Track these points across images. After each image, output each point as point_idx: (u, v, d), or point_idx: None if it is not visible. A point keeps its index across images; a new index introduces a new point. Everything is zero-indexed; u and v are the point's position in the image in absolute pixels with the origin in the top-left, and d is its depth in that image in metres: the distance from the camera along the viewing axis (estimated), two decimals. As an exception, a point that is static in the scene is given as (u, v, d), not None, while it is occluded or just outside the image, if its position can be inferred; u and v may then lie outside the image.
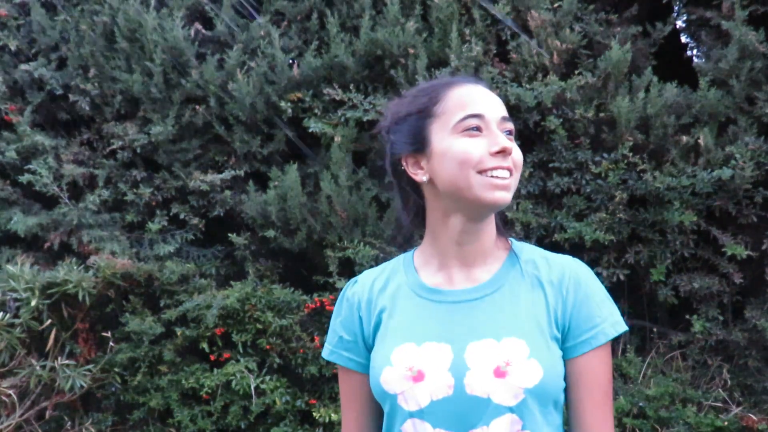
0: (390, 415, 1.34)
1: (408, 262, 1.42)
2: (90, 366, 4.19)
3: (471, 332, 1.29)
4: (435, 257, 1.39)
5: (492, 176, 1.27)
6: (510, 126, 1.31)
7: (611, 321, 1.28)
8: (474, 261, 1.35)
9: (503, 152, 1.26)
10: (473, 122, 1.28)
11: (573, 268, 1.31)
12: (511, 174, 1.28)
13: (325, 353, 1.47)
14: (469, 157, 1.26)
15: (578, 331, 1.27)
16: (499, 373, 1.25)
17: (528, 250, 1.36)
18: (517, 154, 1.30)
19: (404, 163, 1.36)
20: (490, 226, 1.36)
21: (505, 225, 1.40)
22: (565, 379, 1.30)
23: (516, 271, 1.33)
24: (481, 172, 1.27)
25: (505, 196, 1.28)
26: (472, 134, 1.28)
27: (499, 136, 1.28)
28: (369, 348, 1.41)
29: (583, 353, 1.27)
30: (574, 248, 3.85)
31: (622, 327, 1.29)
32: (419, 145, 1.32)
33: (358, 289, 1.44)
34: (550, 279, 1.30)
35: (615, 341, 4.06)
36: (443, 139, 1.29)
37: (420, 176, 1.34)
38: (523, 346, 1.26)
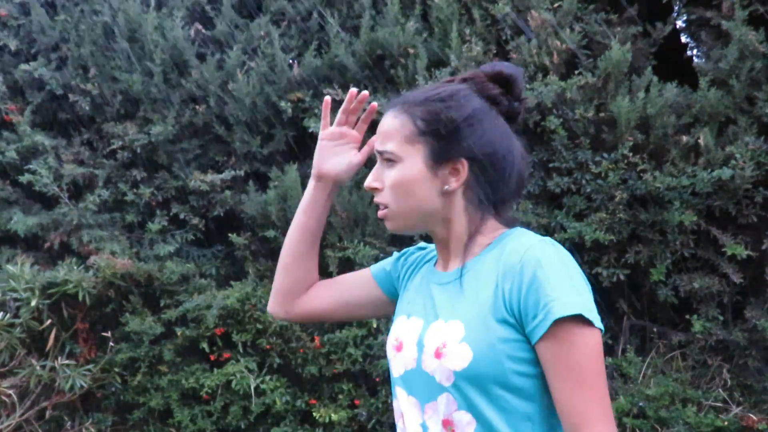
0: (390, 378, 1.44)
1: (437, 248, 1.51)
2: (90, 366, 4.20)
3: (436, 312, 1.35)
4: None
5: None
6: (384, 157, 1.37)
7: (562, 302, 1.20)
8: (457, 251, 1.39)
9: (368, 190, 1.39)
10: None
11: (530, 250, 1.26)
12: (380, 208, 1.38)
13: (372, 266, 1.61)
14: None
15: (529, 315, 1.23)
16: (437, 354, 1.29)
17: (513, 235, 1.35)
18: (387, 181, 1.36)
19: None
20: (442, 228, 1.41)
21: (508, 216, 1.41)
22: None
23: (489, 256, 1.34)
24: None
25: (387, 226, 1.40)
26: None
27: (371, 174, 1.39)
28: (390, 291, 1.55)
29: (540, 337, 1.22)
30: (574, 248, 3.82)
31: (576, 309, 1.19)
32: None
33: (414, 256, 1.55)
34: (504, 261, 1.28)
35: (614, 341, 4.06)
36: None
37: None
38: (459, 329, 1.28)
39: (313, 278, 1.61)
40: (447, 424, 1.30)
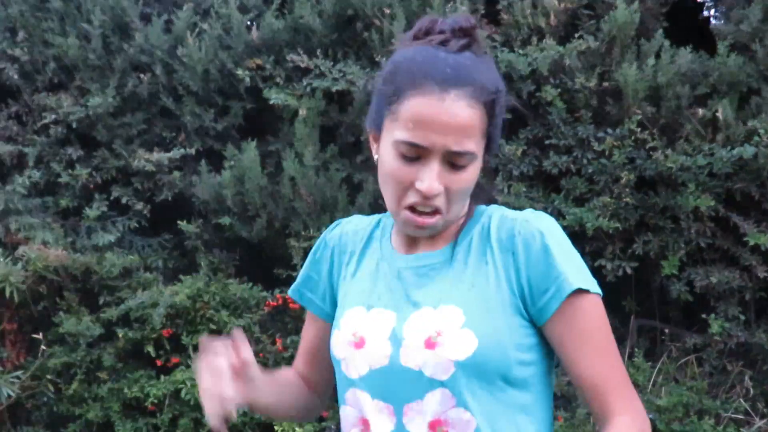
0: (339, 381, 1.38)
1: (390, 222, 1.44)
2: (19, 372, 4.12)
3: (416, 301, 1.30)
4: None
5: (411, 209, 1.27)
6: (462, 161, 1.25)
7: (574, 273, 1.24)
8: (443, 232, 1.36)
9: (425, 197, 1.26)
10: (411, 151, 1.24)
11: (525, 219, 1.28)
12: (435, 214, 1.27)
13: (291, 290, 1.52)
14: (392, 184, 1.27)
15: (540, 288, 1.24)
16: (430, 344, 1.25)
17: (489, 211, 1.35)
18: (456, 185, 1.26)
19: (367, 132, 1.36)
20: None
21: (482, 195, 1.38)
22: (552, 350, 1.30)
23: (473, 234, 1.32)
24: (401, 202, 1.28)
25: (422, 233, 1.31)
26: (407, 160, 1.25)
27: (432, 176, 1.24)
28: (333, 299, 1.46)
29: (555, 311, 1.23)
30: (574, 237, 3.69)
31: (586, 280, 1.24)
32: (376, 127, 1.31)
33: (337, 234, 1.47)
34: (499, 237, 1.28)
35: (620, 343, 3.87)
36: (387, 141, 1.27)
37: (374, 154, 1.34)
38: (458, 315, 1.25)
39: (300, 387, 1.53)
40: (437, 425, 1.26)
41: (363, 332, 1.33)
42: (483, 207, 1.37)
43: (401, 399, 1.27)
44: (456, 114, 1.21)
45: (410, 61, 1.27)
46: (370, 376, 1.31)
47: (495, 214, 1.33)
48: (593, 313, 1.26)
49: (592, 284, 1.25)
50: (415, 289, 1.32)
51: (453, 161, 1.24)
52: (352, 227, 1.47)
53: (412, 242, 1.36)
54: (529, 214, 1.30)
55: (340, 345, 1.36)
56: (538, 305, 1.24)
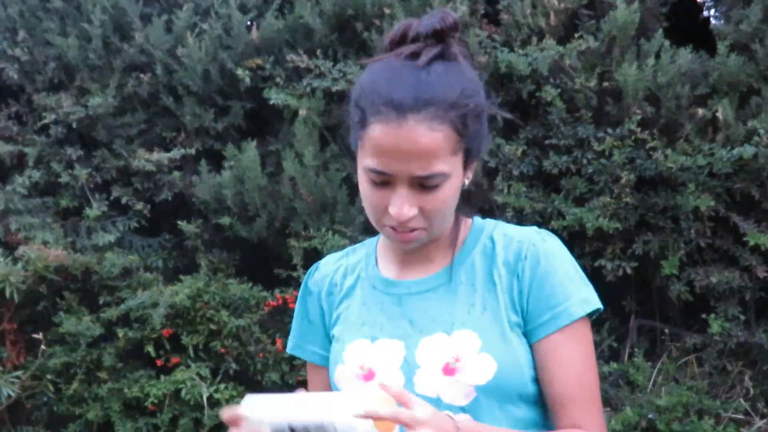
0: None
1: (371, 249, 1.44)
2: (19, 372, 4.11)
3: (424, 327, 1.30)
4: (392, 247, 1.40)
5: (391, 229, 1.27)
6: (432, 183, 1.22)
7: (578, 299, 1.26)
8: (425, 253, 1.34)
9: (398, 221, 1.25)
10: (378, 178, 1.23)
11: (532, 242, 1.29)
12: (415, 231, 1.26)
13: (289, 347, 1.49)
14: (368, 206, 1.28)
15: (538, 311, 1.26)
16: (448, 371, 1.25)
17: (489, 228, 1.35)
18: (430, 205, 1.24)
19: (354, 150, 1.32)
20: None
21: (470, 202, 1.36)
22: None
23: (475, 254, 1.33)
24: (379, 223, 1.28)
25: (410, 247, 1.30)
26: (376, 185, 1.24)
27: (401, 202, 1.23)
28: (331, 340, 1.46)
29: (545, 336, 1.25)
30: (574, 237, 3.82)
31: (591, 306, 1.27)
32: (354, 148, 1.30)
33: (318, 278, 1.46)
34: (506, 258, 1.29)
35: (620, 343, 4.05)
36: (360, 165, 1.26)
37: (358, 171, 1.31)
38: (474, 339, 1.25)
39: None
40: None
41: (371, 364, 1.31)
42: (481, 222, 1.36)
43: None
44: (415, 141, 1.18)
45: (373, 83, 1.24)
46: None
47: (497, 233, 1.33)
48: (581, 340, 1.27)
49: (589, 305, 1.27)
50: (420, 314, 1.31)
51: (423, 183, 1.22)
52: (331, 267, 1.46)
53: (403, 266, 1.35)
54: (535, 236, 1.30)
55: (345, 379, 1.34)
56: (530, 326, 1.26)
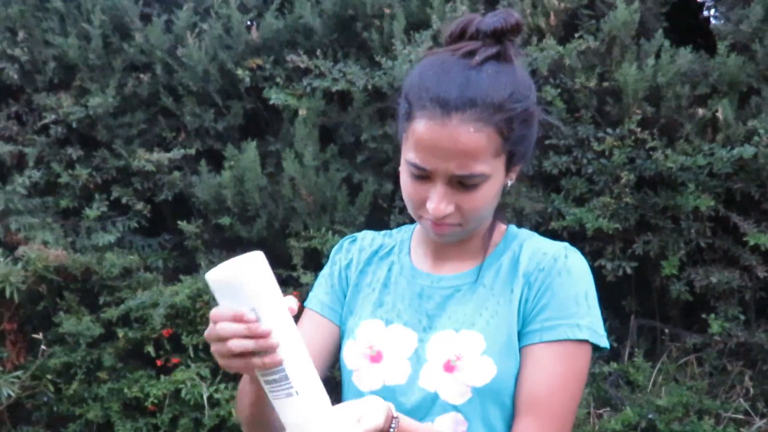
0: (345, 391, 1.37)
1: (406, 237, 1.45)
2: (19, 372, 4.10)
3: (439, 323, 1.31)
4: (426, 240, 1.42)
5: (429, 221, 1.28)
6: (471, 182, 1.23)
7: (573, 322, 1.24)
8: (459, 251, 1.36)
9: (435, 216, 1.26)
10: (418, 172, 1.24)
11: (554, 257, 1.29)
12: (449, 227, 1.28)
13: (308, 301, 1.48)
14: (407, 198, 1.29)
15: (531, 319, 1.26)
16: (449, 368, 1.26)
17: (522, 237, 1.36)
18: (468, 205, 1.25)
19: (400, 140, 1.33)
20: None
21: (502, 209, 1.38)
22: None
23: (503, 260, 1.33)
24: (417, 214, 1.30)
25: (444, 239, 1.31)
26: (416, 178, 1.26)
27: (438, 198, 1.24)
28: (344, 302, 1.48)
29: (529, 344, 1.25)
30: (574, 237, 3.80)
31: (584, 334, 1.25)
32: (400, 138, 1.32)
33: (355, 248, 1.48)
34: (527, 269, 1.29)
35: (620, 344, 4.02)
36: (403, 157, 1.28)
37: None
38: (479, 341, 1.26)
39: None
40: None
41: (381, 347, 1.33)
42: (516, 230, 1.37)
43: (414, 418, 1.25)
44: (458, 140, 1.18)
45: (423, 78, 1.24)
46: (383, 391, 1.30)
47: (528, 243, 1.33)
48: (567, 363, 1.25)
49: (582, 333, 1.25)
50: (437, 310, 1.32)
51: (462, 182, 1.22)
52: (366, 243, 1.48)
53: (434, 259, 1.36)
54: (561, 251, 1.30)
55: (353, 356, 1.35)
56: (522, 331, 1.27)
